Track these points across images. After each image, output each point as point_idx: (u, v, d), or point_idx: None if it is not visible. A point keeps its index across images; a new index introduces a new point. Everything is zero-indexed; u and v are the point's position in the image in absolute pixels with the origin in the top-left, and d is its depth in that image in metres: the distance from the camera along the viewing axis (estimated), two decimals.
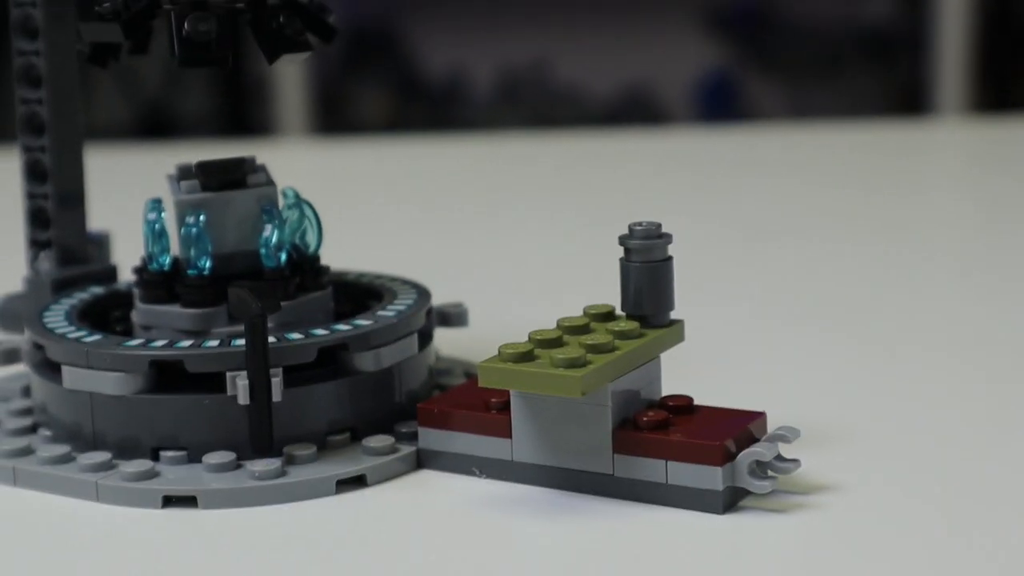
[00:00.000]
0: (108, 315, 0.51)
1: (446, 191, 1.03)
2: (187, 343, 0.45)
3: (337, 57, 2.14)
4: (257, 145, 1.56)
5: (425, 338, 0.49)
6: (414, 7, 2.26)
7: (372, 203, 1.00)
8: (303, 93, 1.97)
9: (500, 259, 0.80)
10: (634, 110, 2.19)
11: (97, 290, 0.52)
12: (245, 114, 2.08)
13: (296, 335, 0.46)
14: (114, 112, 2.06)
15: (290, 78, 1.93)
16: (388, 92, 2.22)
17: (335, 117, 2.11)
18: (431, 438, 0.45)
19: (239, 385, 0.43)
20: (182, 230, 0.48)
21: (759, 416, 0.43)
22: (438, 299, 0.52)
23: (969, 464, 0.45)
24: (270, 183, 0.49)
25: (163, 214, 0.48)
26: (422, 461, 0.46)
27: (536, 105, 2.19)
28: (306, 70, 1.96)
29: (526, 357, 0.42)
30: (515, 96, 2.23)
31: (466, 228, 0.89)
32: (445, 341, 0.54)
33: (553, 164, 1.13)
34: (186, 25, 0.45)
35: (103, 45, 0.48)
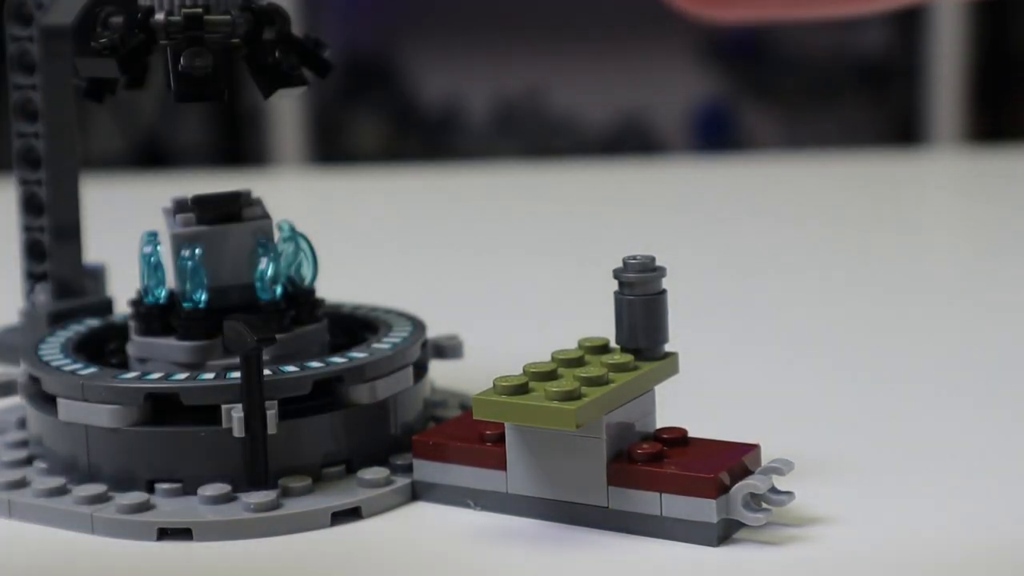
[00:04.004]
0: (103, 348, 0.51)
1: (442, 221, 1.04)
2: (182, 376, 0.45)
3: (333, 87, 2.14)
4: (253, 175, 1.56)
5: (420, 370, 0.49)
6: (410, 37, 2.26)
7: (368, 233, 1.00)
8: (299, 123, 1.98)
9: (495, 290, 0.80)
10: (630, 139, 2.20)
11: (93, 322, 0.52)
12: (241, 144, 2.09)
13: (291, 368, 0.46)
14: (110, 143, 2.06)
15: (286, 108, 1.94)
16: (384, 122, 2.22)
17: (331, 147, 2.12)
18: (426, 470, 0.45)
19: (234, 418, 0.44)
20: (178, 263, 0.48)
21: (753, 448, 0.43)
22: (433, 330, 0.52)
23: (966, 496, 0.45)
24: (266, 216, 0.49)
25: (159, 247, 0.49)
26: (417, 493, 0.46)
27: (532, 134, 2.20)
28: (302, 100, 1.96)
29: (520, 390, 0.42)
30: (511, 125, 2.23)
31: (462, 258, 0.89)
32: (440, 373, 0.54)
33: (549, 193, 1.13)
34: (182, 60, 0.45)
35: (99, 80, 0.48)
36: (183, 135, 2.14)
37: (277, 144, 1.98)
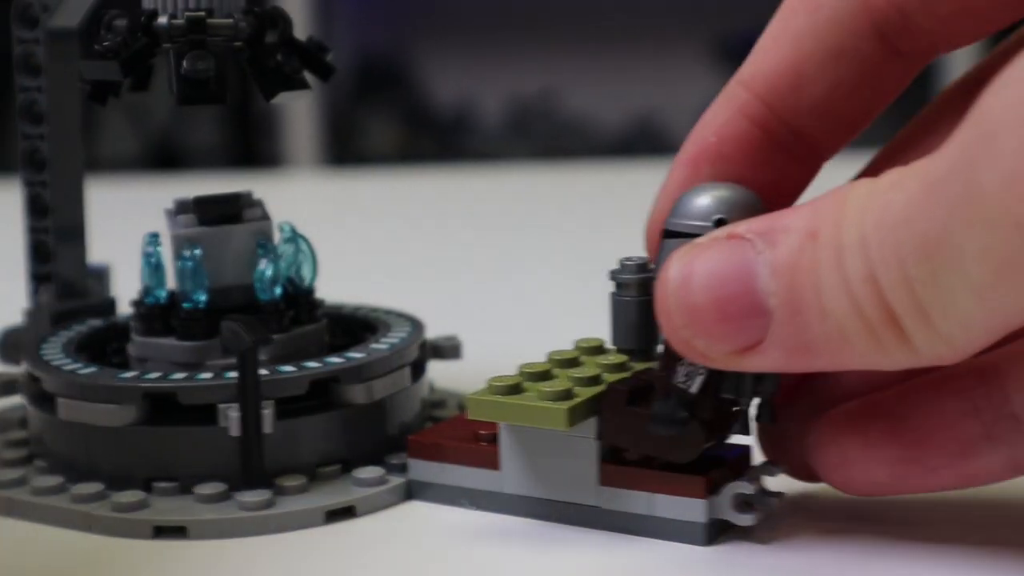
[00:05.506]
0: (105, 348, 0.52)
1: (455, 223, 1.04)
2: (180, 375, 0.46)
3: (346, 88, 2.15)
4: (266, 177, 1.57)
5: (418, 370, 0.50)
6: (423, 39, 2.27)
7: (381, 234, 1.01)
8: (313, 125, 1.99)
9: (509, 291, 0.80)
10: (643, 141, 2.20)
11: (95, 323, 0.53)
12: (254, 146, 2.10)
13: (288, 367, 0.46)
14: (124, 145, 2.07)
15: (299, 110, 1.95)
16: (397, 123, 2.23)
17: (344, 148, 2.13)
18: (421, 469, 0.46)
19: (231, 417, 0.44)
20: (178, 264, 0.48)
21: (743, 449, 0.43)
22: (444, 332, 0.52)
23: (957, 498, 0.45)
24: (266, 217, 0.50)
25: (159, 248, 0.49)
26: (412, 492, 0.46)
27: (545, 136, 2.21)
28: (316, 102, 1.97)
29: (514, 390, 0.43)
30: (524, 127, 2.24)
31: (475, 260, 0.90)
32: (443, 373, 0.54)
33: (561, 195, 1.13)
34: (185, 63, 0.46)
35: (103, 82, 0.49)
36: (196, 137, 2.15)
37: (290, 146, 1.98)
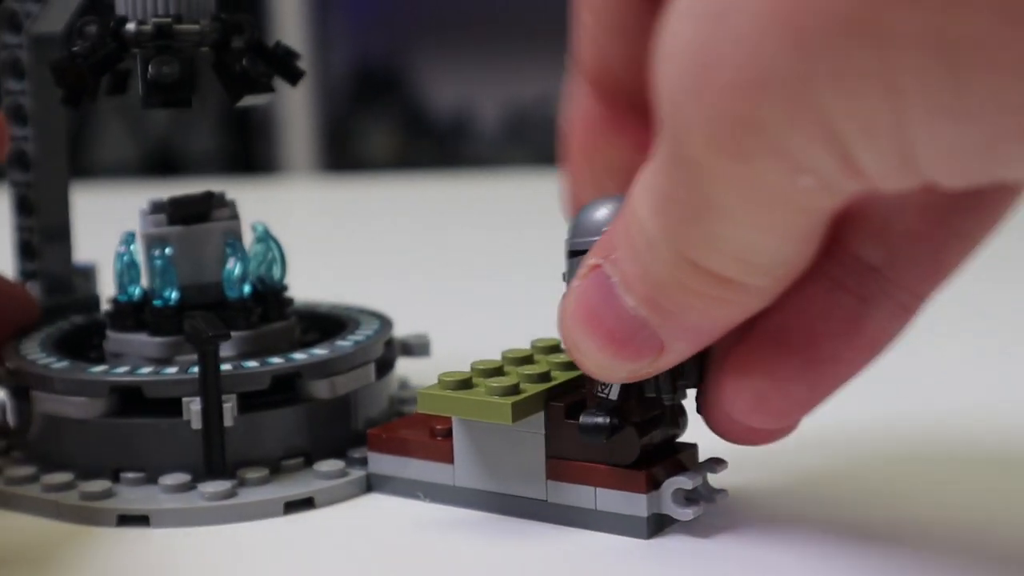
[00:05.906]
0: (85, 343, 0.53)
1: (452, 228, 1.05)
2: (147, 370, 0.47)
3: (344, 95, 2.16)
4: (265, 183, 1.58)
5: (385, 367, 0.51)
6: (420, 45, 2.27)
7: (378, 240, 1.02)
8: (310, 131, 1.99)
9: (503, 296, 0.81)
10: None
11: (77, 319, 0.54)
12: (252, 152, 2.11)
13: (252, 363, 0.48)
14: (122, 151, 2.09)
15: (297, 116, 1.96)
16: (395, 129, 2.23)
17: (342, 155, 2.13)
18: (380, 463, 0.47)
19: (192, 410, 0.45)
20: (149, 262, 0.50)
21: (690, 447, 0.44)
22: (434, 336, 0.53)
23: (906, 497, 0.46)
24: (234, 217, 0.51)
25: (132, 247, 0.51)
26: (372, 485, 0.47)
27: (542, 142, 2.20)
28: (313, 108, 1.98)
29: (464, 385, 0.44)
30: (521, 133, 2.24)
31: (470, 265, 0.91)
32: (425, 371, 0.55)
33: (559, 201, 1.14)
34: (150, 68, 0.47)
35: (77, 86, 0.50)
36: (195, 143, 2.16)
37: (288, 152, 2.00)
